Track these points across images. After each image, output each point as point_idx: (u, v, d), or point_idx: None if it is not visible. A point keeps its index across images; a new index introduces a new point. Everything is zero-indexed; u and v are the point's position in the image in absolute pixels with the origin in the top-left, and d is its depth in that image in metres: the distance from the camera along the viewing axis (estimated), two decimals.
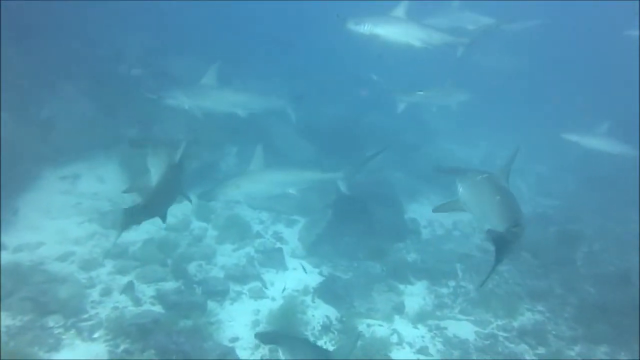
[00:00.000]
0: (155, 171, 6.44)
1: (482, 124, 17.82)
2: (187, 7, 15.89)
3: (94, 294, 7.42)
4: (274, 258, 9.02)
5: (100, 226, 8.90)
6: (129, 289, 7.59)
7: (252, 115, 9.19)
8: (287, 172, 8.45)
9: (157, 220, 9.65)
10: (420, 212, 11.39)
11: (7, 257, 7.66)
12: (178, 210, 9.87)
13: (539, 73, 19.78)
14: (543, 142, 14.95)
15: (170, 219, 9.57)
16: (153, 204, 6.25)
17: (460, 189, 6.38)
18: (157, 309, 7.33)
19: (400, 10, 9.31)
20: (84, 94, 10.57)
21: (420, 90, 10.87)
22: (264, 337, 6.69)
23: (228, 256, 9.02)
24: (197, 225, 9.65)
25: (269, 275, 8.68)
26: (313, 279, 8.70)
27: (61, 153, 9.85)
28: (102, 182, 10.09)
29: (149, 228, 9.24)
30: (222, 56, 13.95)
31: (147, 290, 7.71)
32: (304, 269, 8.91)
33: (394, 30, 9.15)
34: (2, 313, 6.64)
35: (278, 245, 9.52)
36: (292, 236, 9.89)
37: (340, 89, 15.93)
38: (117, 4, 13.67)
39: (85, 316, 6.96)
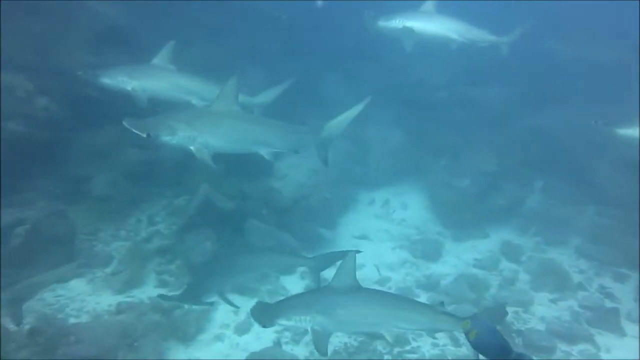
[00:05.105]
0: None
1: None
2: None
3: None
4: (606, 319, 7.58)
5: (411, 254, 8.93)
6: None
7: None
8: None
9: (466, 254, 9.26)
10: None
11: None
12: (484, 247, 9.36)
13: None
14: None
15: (477, 255, 9.16)
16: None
17: None
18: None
19: (429, 5, 9.02)
20: (395, 120, 10.94)
21: None
22: None
23: (547, 307, 7.96)
24: (506, 265, 8.86)
25: (601, 338, 7.33)
26: None
27: (372, 177, 10.32)
28: (406, 209, 10.21)
29: (457, 262, 8.92)
30: None
31: None
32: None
33: (430, 24, 8.87)
34: None
35: (608, 303, 8.05)
36: (624, 294, 8.26)
37: None
38: None
39: (409, 347, 6.87)
